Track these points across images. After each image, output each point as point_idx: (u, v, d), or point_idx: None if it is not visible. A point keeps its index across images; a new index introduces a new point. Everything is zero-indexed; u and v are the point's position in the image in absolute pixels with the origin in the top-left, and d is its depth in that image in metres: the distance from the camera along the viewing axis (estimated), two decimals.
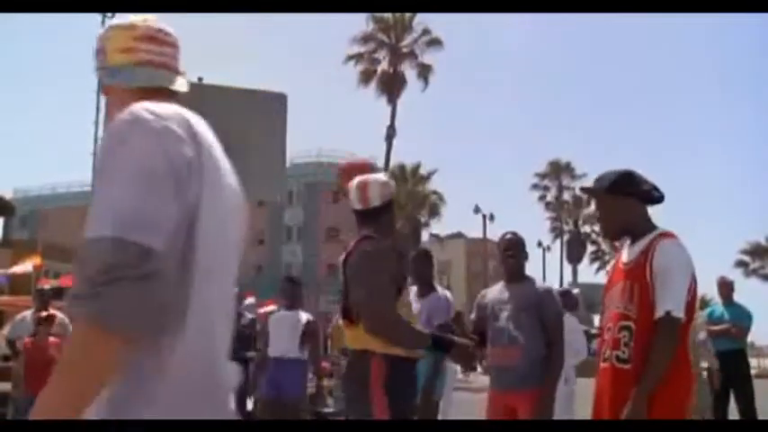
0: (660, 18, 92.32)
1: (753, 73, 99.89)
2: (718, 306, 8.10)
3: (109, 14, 19.33)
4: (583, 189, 3.30)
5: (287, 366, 6.85)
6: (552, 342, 4.35)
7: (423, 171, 41.00)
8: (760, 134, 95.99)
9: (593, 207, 49.95)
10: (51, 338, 7.61)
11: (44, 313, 7.88)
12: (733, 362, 7.74)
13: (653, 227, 3.14)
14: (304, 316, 7.11)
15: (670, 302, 2.90)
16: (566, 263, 47.78)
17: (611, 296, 3.15)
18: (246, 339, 8.66)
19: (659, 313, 2.90)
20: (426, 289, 5.48)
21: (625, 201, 3.14)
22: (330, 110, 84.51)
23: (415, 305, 5.71)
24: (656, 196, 3.19)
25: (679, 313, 2.90)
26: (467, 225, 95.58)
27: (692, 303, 3.00)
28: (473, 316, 4.75)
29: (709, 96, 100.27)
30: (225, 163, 1.60)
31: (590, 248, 50.56)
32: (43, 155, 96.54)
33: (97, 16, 19.58)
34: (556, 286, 10.29)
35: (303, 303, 10.38)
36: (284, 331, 6.95)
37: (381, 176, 3.45)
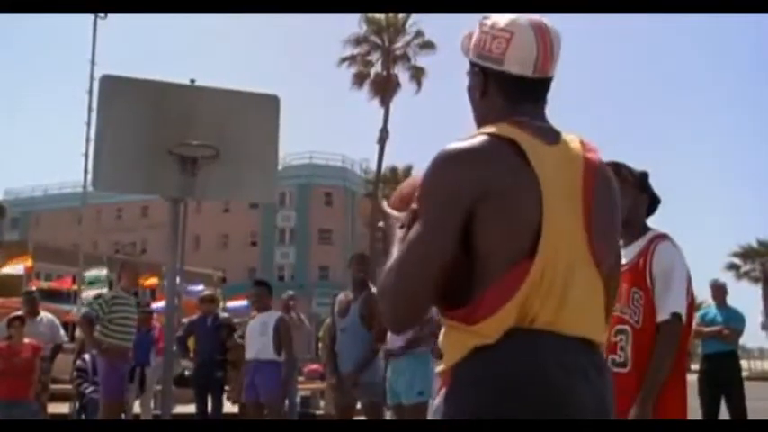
0: (656, 18, 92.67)
1: (747, 75, 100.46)
2: (711, 308, 8.09)
3: (101, 14, 19.31)
4: (615, 165, 3.18)
5: (261, 368, 6.89)
6: None
7: (415, 173, 40.92)
8: (752, 136, 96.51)
9: None
10: (27, 340, 7.41)
11: (15, 314, 7.67)
12: (724, 364, 7.74)
13: (648, 228, 3.16)
14: (273, 316, 7.13)
15: (673, 305, 2.91)
16: None
17: None
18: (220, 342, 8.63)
19: (663, 316, 2.90)
20: None
21: (642, 196, 3.18)
22: (323, 112, 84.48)
23: None
24: (655, 209, 3.23)
25: (683, 315, 2.92)
26: None
27: (691, 306, 3.02)
28: None
29: (701, 98, 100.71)
30: None
31: None
32: (35, 156, 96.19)
33: (89, 16, 19.47)
34: None
35: (295, 304, 10.35)
36: (256, 334, 7.01)
37: None
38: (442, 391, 1.60)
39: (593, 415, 1.52)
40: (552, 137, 1.67)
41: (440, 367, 1.63)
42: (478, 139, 1.59)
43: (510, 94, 1.68)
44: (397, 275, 1.54)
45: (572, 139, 1.71)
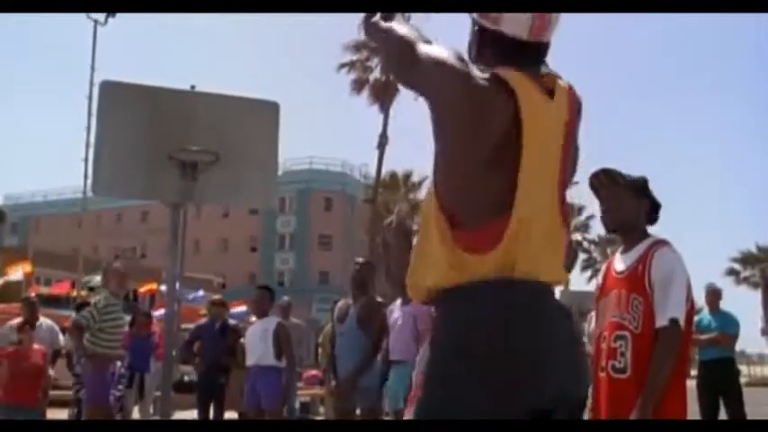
0: (655, 23, 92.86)
1: (748, 77, 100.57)
2: (705, 315, 8.09)
3: (101, 21, 19.37)
4: (609, 171, 3.18)
5: (262, 374, 6.89)
6: None
7: (415, 179, 40.96)
8: (752, 141, 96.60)
9: (584, 216, 49.30)
10: (37, 346, 7.43)
11: (17, 320, 7.63)
12: (722, 371, 7.73)
13: (647, 234, 3.16)
14: (273, 321, 7.13)
15: (672, 311, 2.91)
16: None
17: (604, 305, 3.15)
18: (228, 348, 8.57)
19: (662, 322, 2.90)
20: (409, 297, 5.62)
21: (641, 202, 3.17)
22: (323, 117, 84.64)
23: (398, 313, 5.79)
24: (657, 214, 3.23)
25: (681, 321, 2.91)
26: None
27: (691, 312, 3.02)
28: None
29: (700, 103, 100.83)
30: None
31: (581, 256, 50.68)
32: (35, 161, 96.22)
33: (89, 21, 19.54)
34: None
35: (287, 309, 10.27)
36: (257, 340, 7.01)
37: None
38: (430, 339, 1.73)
39: (566, 344, 1.69)
40: (547, 90, 1.77)
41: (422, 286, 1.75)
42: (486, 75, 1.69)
43: (504, 55, 1.72)
44: (399, 44, 1.78)
45: (562, 90, 1.81)
